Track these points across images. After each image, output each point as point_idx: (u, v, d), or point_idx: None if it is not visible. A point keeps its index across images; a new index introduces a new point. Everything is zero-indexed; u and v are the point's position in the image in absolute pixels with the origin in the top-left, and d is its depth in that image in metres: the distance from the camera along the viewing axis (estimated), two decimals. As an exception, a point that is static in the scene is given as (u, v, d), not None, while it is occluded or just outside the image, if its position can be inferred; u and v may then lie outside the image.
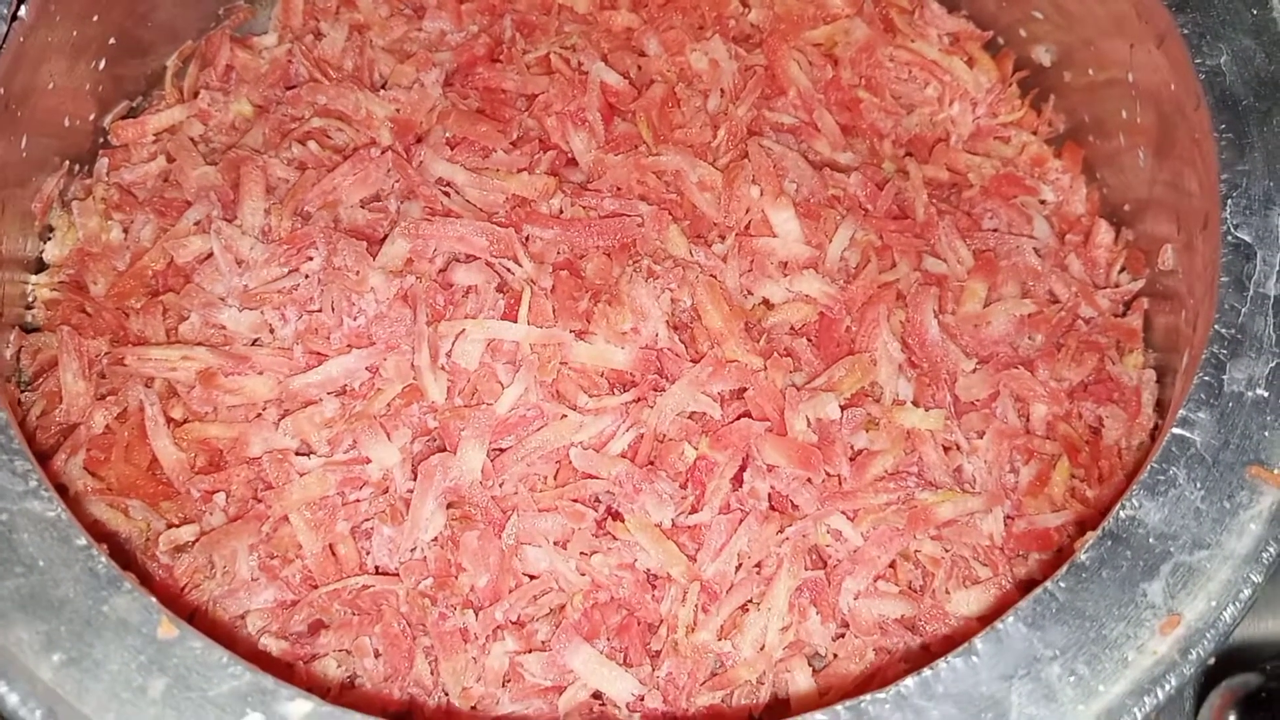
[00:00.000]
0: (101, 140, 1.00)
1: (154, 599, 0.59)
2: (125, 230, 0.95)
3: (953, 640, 0.83)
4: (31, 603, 0.58)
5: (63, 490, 0.83)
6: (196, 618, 0.80)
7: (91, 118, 0.98)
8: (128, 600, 0.59)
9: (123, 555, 0.82)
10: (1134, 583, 0.64)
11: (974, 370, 0.93)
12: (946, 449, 0.90)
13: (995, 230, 1.03)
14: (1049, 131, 1.11)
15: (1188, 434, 0.70)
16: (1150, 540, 0.66)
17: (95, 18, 0.92)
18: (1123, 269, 1.01)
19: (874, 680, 0.82)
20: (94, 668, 0.57)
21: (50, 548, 0.60)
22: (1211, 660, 0.62)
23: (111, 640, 0.58)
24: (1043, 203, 1.06)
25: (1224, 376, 0.71)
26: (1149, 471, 0.68)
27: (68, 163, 0.96)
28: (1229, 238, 0.77)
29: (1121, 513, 0.67)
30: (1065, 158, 1.08)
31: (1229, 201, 0.78)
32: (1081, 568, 0.65)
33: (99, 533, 0.81)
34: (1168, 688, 0.60)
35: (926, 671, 0.62)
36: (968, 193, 1.05)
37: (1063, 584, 0.64)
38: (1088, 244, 1.03)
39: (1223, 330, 0.73)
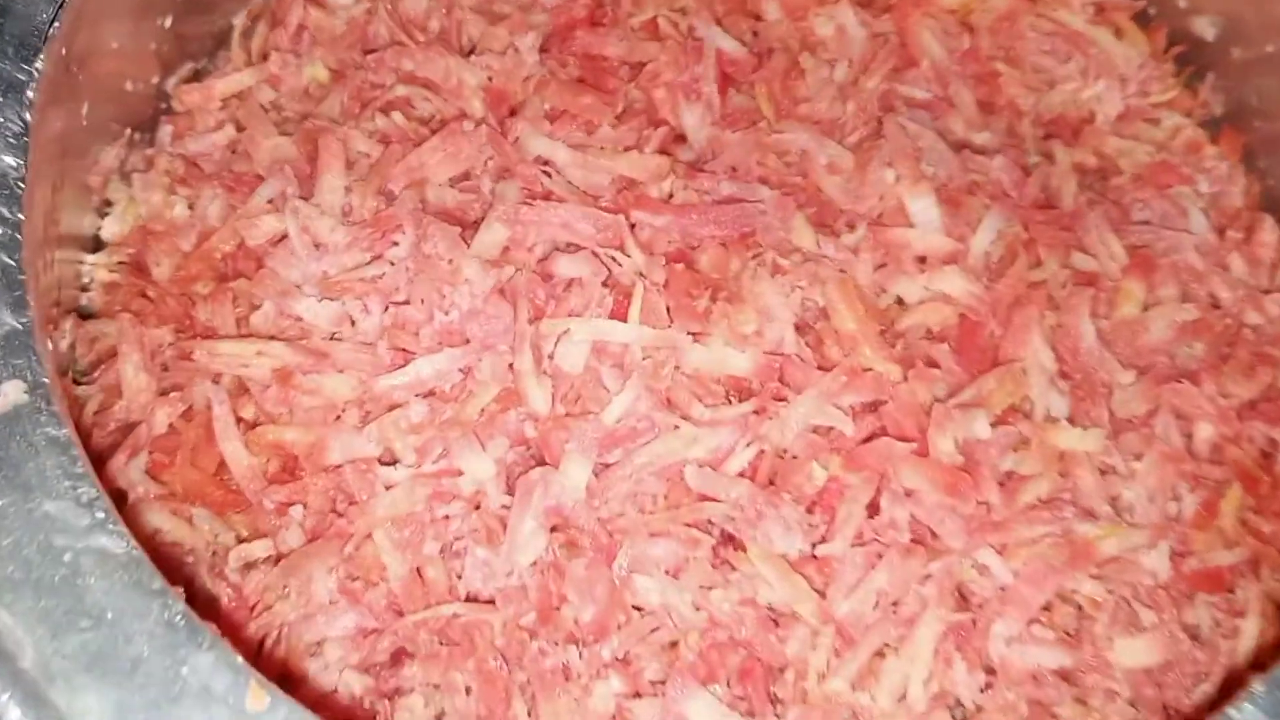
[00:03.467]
0: (164, 106, 0.92)
1: (240, 658, 0.50)
2: (191, 206, 0.88)
3: (1115, 695, 0.74)
4: (100, 663, 0.50)
5: (121, 496, 0.75)
6: (269, 646, 0.72)
7: (154, 81, 0.91)
8: (211, 660, 0.50)
9: (186, 571, 0.74)
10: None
11: (1132, 383, 0.83)
12: (1103, 473, 0.80)
13: (1147, 223, 0.92)
14: (1203, 114, 1.01)
15: None
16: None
17: (162, -32, 0.83)
18: (1291, 271, 0.91)
19: (1026, 739, 0.73)
20: (172, 746, 0.49)
21: (121, 594, 0.52)
22: None
23: (193, 710, 0.49)
24: (1198, 194, 0.96)
25: None
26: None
27: (128, 131, 0.88)
28: None
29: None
30: (1223, 144, 0.99)
31: None
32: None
33: (160, 544, 0.74)
34: None
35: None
36: (1115, 180, 0.95)
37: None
38: (1250, 241, 0.93)
39: None
